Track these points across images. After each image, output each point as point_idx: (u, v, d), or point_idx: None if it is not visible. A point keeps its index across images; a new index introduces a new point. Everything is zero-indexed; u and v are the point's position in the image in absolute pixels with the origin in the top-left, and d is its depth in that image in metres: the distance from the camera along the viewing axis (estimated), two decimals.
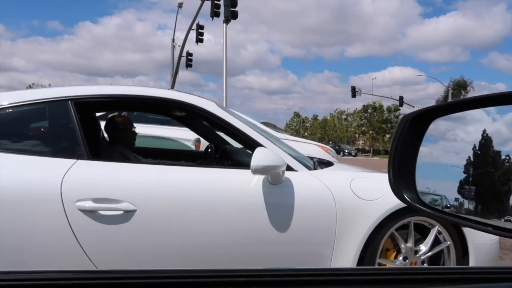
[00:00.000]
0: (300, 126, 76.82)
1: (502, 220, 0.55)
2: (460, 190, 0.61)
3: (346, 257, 2.18)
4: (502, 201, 0.56)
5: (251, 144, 2.25)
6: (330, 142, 65.85)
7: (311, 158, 2.93)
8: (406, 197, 0.71)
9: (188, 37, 19.22)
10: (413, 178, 0.73)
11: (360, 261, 2.20)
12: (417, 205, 0.71)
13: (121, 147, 2.67)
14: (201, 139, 4.09)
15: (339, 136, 70.12)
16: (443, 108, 0.72)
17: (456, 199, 0.63)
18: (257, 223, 2.10)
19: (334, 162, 2.97)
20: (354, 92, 38.10)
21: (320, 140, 64.56)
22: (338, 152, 46.20)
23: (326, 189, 2.19)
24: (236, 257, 2.10)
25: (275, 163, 2.00)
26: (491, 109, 0.62)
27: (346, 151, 47.60)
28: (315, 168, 2.44)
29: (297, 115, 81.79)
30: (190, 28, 18.83)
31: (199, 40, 18.90)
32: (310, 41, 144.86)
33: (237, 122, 2.32)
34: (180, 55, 20.37)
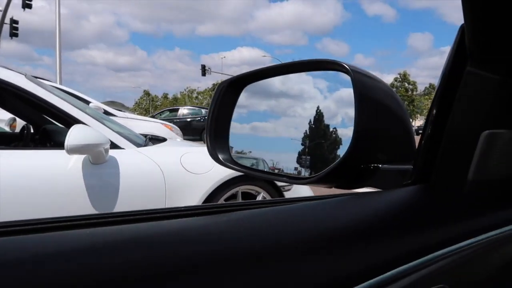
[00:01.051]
0: (150, 105, 74.43)
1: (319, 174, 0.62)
2: (299, 160, 0.68)
3: None
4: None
5: (69, 122, 2.05)
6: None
7: (145, 136, 2.85)
8: (221, 158, 0.75)
9: (13, 0, 16.41)
10: (227, 140, 0.77)
11: None
12: (229, 164, 0.75)
13: None
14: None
15: None
16: (254, 75, 0.77)
17: (296, 168, 0.70)
18: (79, 207, 1.94)
19: (167, 139, 2.93)
20: (204, 70, 38.60)
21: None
22: None
23: (154, 166, 2.15)
24: None
25: (94, 141, 1.86)
26: (323, 87, 0.70)
27: None
28: (145, 145, 2.37)
29: (146, 93, 78.88)
30: None
31: (26, 5, 16.30)
32: (160, 16, 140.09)
33: (52, 97, 2.08)
34: (2, 22, 17.31)
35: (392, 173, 0.56)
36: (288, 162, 0.72)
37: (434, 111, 0.50)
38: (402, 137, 0.59)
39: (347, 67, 0.57)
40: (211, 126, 0.74)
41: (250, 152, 0.82)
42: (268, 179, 0.89)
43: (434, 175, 0.50)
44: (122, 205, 2.02)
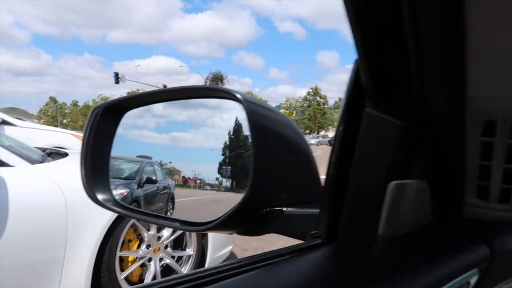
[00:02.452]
0: (57, 113, 68.95)
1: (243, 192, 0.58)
2: (220, 170, 0.66)
3: (81, 256, 1.95)
4: (249, 176, 0.61)
5: None
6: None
7: (44, 150, 2.53)
8: (100, 199, 0.66)
9: None
10: (107, 176, 0.68)
11: (99, 257, 2.02)
12: (111, 206, 0.66)
13: None
14: None
15: None
16: (135, 99, 0.69)
17: (217, 179, 0.68)
18: None
19: (70, 153, 2.64)
20: (117, 78, 36.94)
21: (82, 127, 59.86)
22: None
23: (52, 184, 1.89)
24: None
25: None
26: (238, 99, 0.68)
27: None
28: (41, 161, 2.09)
29: (53, 100, 73.01)
30: None
31: None
32: (66, 19, 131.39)
33: None
34: None
35: (297, 218, 0.51)
36: (209, 172, 0.70)
37: (336, 155, 0.45)
38: (306, 174, 0.55)
39: (240, 96, 0.51)
40: (86, 159, 0.63)
41: (171, 162, 0.77)
42: (157, 224, 0.85)
43: (341, 230, 0.45)
44: (14, 232, 1.73)
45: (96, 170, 0.65)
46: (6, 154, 1.86)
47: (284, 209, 0.51)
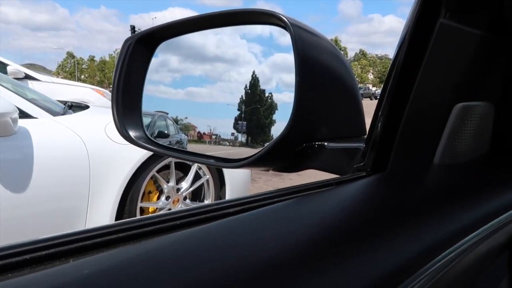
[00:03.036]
0: (75, 68, 69.25)
1: (261, 147, 0.59)
2: (235, 125, 0.66)
3: (103, 206, 2.03)
4: (265, 132, 0.62)
5: None
6: (111, 86, 62.50)
7: (64, 103, 2.57)
8: (132, 136, 0.64)
9: None
10: (139, 113, 0.67)
11: (120, 207, 2.10)
12: (143, 143, 0.65)
13: None
14: None
15: None
16: (170, 28, 0.65)
17: (232, 134, 0.67)
18: None
19: (91, 106, 2.67)
20: (134, 31, 36.55)
21: (100, 83, 60.25)
22: None
23: (74, 136, 1.93)
24: None
25: None
26: (258, 52, 0.65)
27: None
28: (63, 114, 2.13)
29: (70, 55, 73.13)
30: None
31: None
32: None
33: None
34: None
35: (339, 152, 0.47)
36: (224, 127, 0.70)
37: (394, 79, 0.39)
38: (350, 109, 0.51)
39: (286, 20, 0.46)
40: (117, 95, 0.61)
41: (186, 118, 0.77)
42: (191, 161, 0.87)
43: (392, 159, 0.40)
44: (38, 182, 1.80)
45: (128, 106, 0.62)
46: (29, 106, 1.89)
47: (326, 143, 0.48)
